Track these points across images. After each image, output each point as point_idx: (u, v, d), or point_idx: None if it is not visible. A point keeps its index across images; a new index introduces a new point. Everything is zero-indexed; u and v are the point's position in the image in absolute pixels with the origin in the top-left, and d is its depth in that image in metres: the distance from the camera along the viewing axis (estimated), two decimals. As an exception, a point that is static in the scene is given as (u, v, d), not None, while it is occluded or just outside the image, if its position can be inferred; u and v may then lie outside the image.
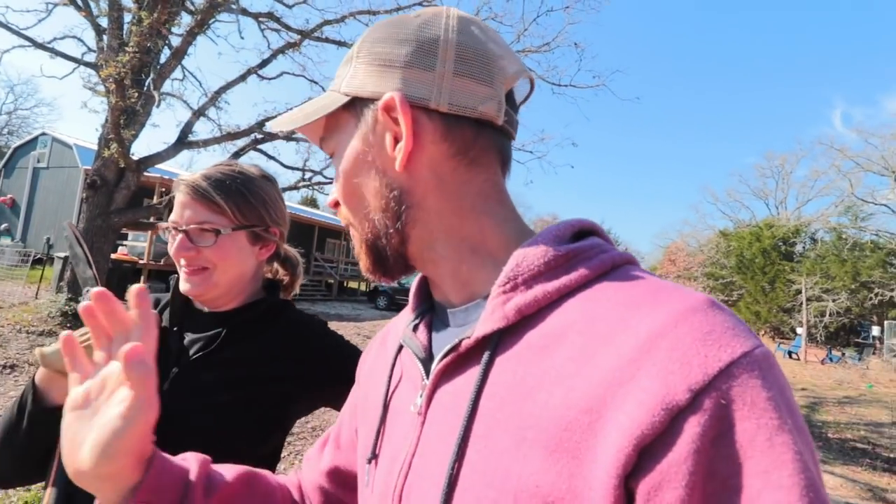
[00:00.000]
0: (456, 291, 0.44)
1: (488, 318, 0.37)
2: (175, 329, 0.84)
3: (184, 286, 0.82)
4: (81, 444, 0.41)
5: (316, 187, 9.20)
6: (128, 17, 6.39)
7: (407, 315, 0.52)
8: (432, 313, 0.48)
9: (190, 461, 0.50)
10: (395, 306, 15.59)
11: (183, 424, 0.72)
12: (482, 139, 0.42)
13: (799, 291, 19.50)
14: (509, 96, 0.44)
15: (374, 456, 0.46)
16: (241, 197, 0.83)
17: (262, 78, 7.68)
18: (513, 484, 0.31)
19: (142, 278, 10.92)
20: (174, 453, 0.70)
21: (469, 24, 0.42)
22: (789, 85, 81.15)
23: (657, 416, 0.27)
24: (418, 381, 0.43)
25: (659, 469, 0.27)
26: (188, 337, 0.84)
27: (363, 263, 0.47)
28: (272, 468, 0.86)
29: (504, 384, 0.35)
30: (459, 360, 0.39)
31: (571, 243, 0.39)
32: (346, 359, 0.88)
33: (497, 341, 0.37)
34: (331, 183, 9.15)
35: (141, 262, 11.12)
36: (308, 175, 8.69)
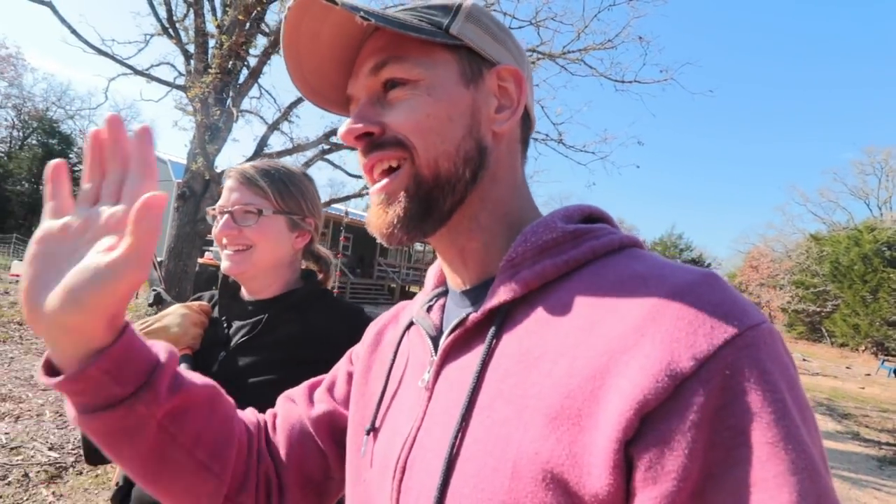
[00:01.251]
0: (475, 269, 0.44)
1: (496, 291, 0.38)
2: (224, 318, 0.94)
3: (225, 264, 0.90)
4: (49, 283, 0.35)
5: (378, 194, 9.48)
6: (212, 43, 7.04)
7: (422, 296, 0.53)
8: (447, 296, 0.49)
9: (160, 349, 0.44)
10: (453, 311, 15.62)
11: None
12: (528, 136, 0.48)
13: (909, 302, 17.10)
14: None
15: (374, 428, 0.46)
16: (283, 185, 0.93)
17: (329, 91, 8.09)
18: (512, 451, 0.32)
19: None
20: None
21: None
22: (891, 72, 71.99)
23: (661, 382, 0.27)
24: (427, 358, 0.44)
25: (661, 437, 0.26)
26: (235, 325, 0.93)
27: (395, 212, 0.41)
28: None
29: (509, 356, 0.36)
30: (467, 335, 0.40)
31: (581, 224, 0.41)
32: None
33: (504, 315, 0.38)
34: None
35: (222, 265, 12.08)
36: (371, 182, 8.98)
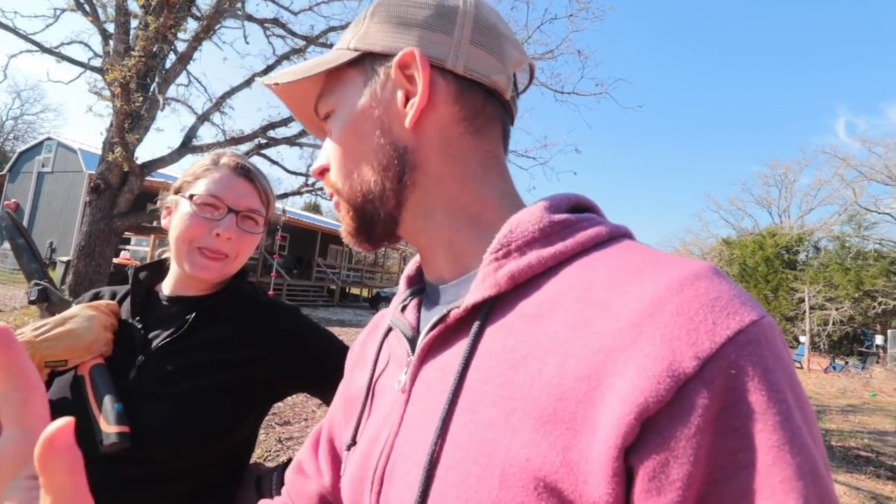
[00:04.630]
0: (448, 265, 0.42)
1: (479, 286, 0.36)
2: (137, 319, 0.82)
3: (196, 269, 0.79)
4: None
5: (319, 192, 9.24)
6: (134, 23, 6.47)
7: (397, 299, 0.50)
8: (423, 294, 0.47)
9: None
10: (396, 312, 15.58)
11: (153, 413, 0.71)
12: (490, 108, 0.42)
13: (802, 300, 19.39)
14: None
15: (354, 442, 0.44)
16: (272, 193, 0.87)
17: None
18: (500, 458, 0.29)
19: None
20: (147, 444, 0.69)
21: (484, 3, 0.43)
22: (793, 93, 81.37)
23: (662, 383, 0.25)
24: (404, 359, 0.42)
25: (665, 444, 0.25)
26: (153, 326, 0.81)
27: (346, 227, 0.45)
28: (247, 456, 0.85)
29: (493, 354, 0.33)
30: (448, 333, 0.38)
31: (568, 214, 0.38)
32: (321, 342, 0.87)
33: (488, 311, 0.35)
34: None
35: (143, 265, 11.17)
36: (311, 180, 8.72)
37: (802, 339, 18.20)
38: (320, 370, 0.83)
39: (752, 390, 0.25)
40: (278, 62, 7.53)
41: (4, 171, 19.23)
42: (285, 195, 8.76)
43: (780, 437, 0.24)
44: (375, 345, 0.49)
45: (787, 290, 22.07)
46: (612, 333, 0.28)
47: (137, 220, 6.81)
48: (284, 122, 7.50)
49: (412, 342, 0.42)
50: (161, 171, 7.81)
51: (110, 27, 6.66)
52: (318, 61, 0.43)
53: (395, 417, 0.39)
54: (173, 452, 0.70)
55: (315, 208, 36.04)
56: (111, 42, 6.62)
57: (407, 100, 0.40)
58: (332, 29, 7.56)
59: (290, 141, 7.65)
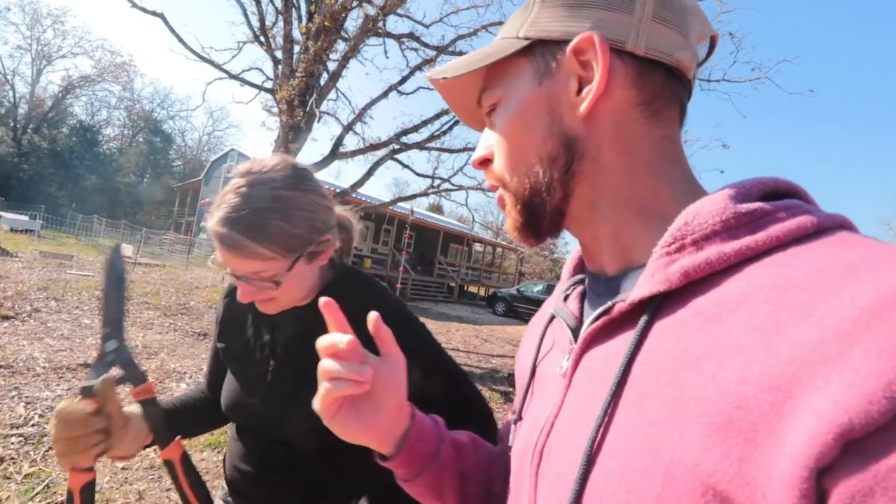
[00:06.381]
0: (613, 258, 0.40)
1: (647, 280, 0.33)
2: (260, 324, 0.86)
3: (259, 307, 0.79)
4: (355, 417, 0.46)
5: (444, 194, 9.73)
6: (297, 49, 7.56)
7: (560, 287, 0.51)
8: (585, 284, 0.47)
9: (432, 416, 0.55)
10: (512, 312, 15.51)
11: (297, 412, 0.74)
12: (669, 90, 0.39)
13: None
14: None
15: (520, 417, 0.47)
16: (282, 233, 0.70)
17: (401, 93, 8.42)
18: (665, 457, 0.28)
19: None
20: (286, 446, 0.78)
21: None
22: None
23: (875, 405, 0.21)
24: (566, 346, 0.42)
25: (873, 470, 0.21)
26: (280, 331, 0.84)
27: (512, 221, 0.44)
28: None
29: (662, 351, 0.31)
30: (611, 325, 0.36)
31: (760, 202, 0.32)
32: (412, 331, 0.84)
33: (656, 307, 0.33)
34: (457, 189, 9.59)
35: (296, 256, 12.91)
36: (437, 182, 9.23)
37: None
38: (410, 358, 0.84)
39: None
40: (411, 73, 8.14)
41: (200, 177, 24.19)
42: (413, 196, 9.40)
43: None
44: (540, 329, 0.51)
45: None
46: (812, 342, 0.24)
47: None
48: (415, 129, 8.07)
49: (574, 331, 0.43)
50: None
51: (279, 54, 7.89)
52: (485, 52, 0.42)
53: (556, 400, 0.40)
54: (318, 439, 0.71)
55: (438, 209, 37.78)
56: (279, 67, 7.83)
57: (580, 87, 0.38)
58: (461, 37, 7.92)
59: (420, 145, 8.20)
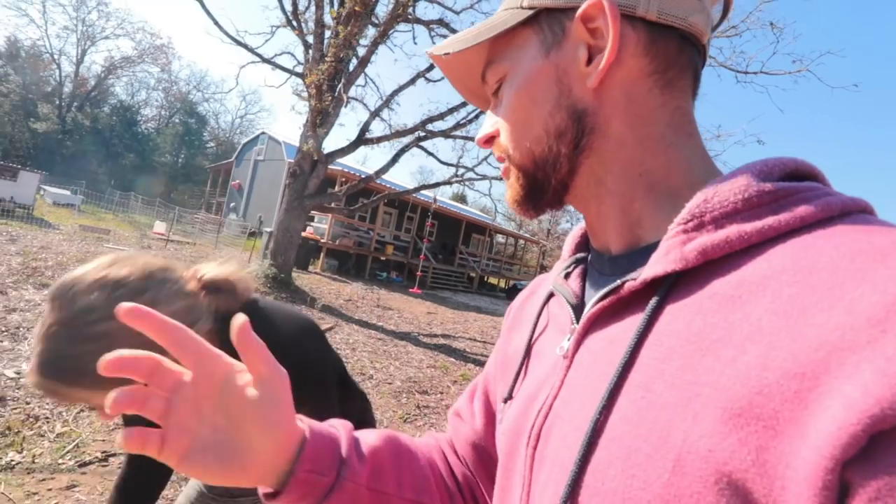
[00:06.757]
0: (619, 236, 0.39)
1: (661, 258, 0.32)
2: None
3: None
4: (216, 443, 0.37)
5: (467, 183, 9.70)
6: (327, 34, 7.61)
7: (559, 264, 0.49)
8: (587, 262, 0.45)
9: (335, 426, 0.48)
10: (533, 305, 15.44)
11: None
12: (684, 57, 0.37)
13: None
14: None
15: (511, 396, 0.45)
16: (65, 378, 0.59)
17: (429, 80, 8.38)
18: (676, 442, 0.27)
19: (321, 254, 12.94)
20: None
21: None
22: None
23: None
24: (567, 326, 0.41)
25: None
26: None
27: (513, 193, 0.42)
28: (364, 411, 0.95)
29: (675, 334, 0.30)
30: (619, 305, 0.35)
31: (783, 182, 0.31)
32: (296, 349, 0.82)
33: (670, 286, 0.32)
34: (481, 179, 9.53)
35: (322, 240, 13.13)
36: (461, 171, 9.21)
37: None
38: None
39: None
40: (441, 60, 8.09)
41: (232, 159, 24.77)
42: (436, 184, 9.41)
43: None
44: (535, 308, 0.49)
45: None
46: (841, 328, 0.23)
47: (321, 201, 8.09)
48: (441, 116, 8.04)
49: (576, 309, 0.41)
50: (339, 160, 9.11)
51: (310, 39, 7.96)
52: (486, 25, 0.40)
53: (555, 380, 0.39)
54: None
55: (462, 199, 37.69)
56: (310, 51, 7.91)
57: (590, 56, 0.36)
58: (493, 24, 7.82)
59: (445, 133, 8.18)
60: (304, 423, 0.44)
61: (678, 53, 0.37)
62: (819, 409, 0.22)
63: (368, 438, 0.50)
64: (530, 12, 0.38)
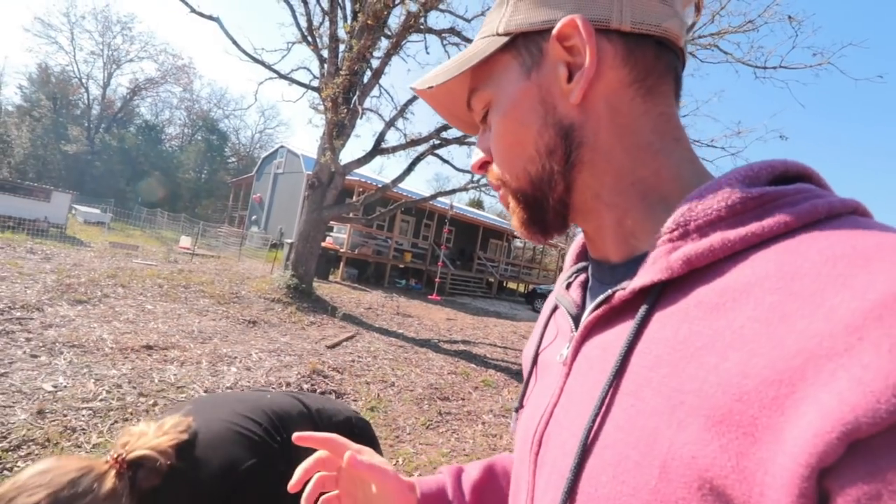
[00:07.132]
0: (617, 246, 0.40)
1: (648, 268, 0.32)
2: None
3: None
4: None
5: (483, 189, 9.71)
6: (342, 48, 7.76)
7: (563, 275, 0.51)
8: (587, 272, 0.46)
9: (443, 471, 0.58)
10: (553, 310, 15.29)
11: None
12: (662, 63, 0.37)
13: None
14: None
15: (521, 405, 0.47)
16: None
17: (442, 89, 8.45)
18: (661, 449, 0.27)
19: (341, 263, 13.09)
20: None
21: None
22: None
23: (884, 403, 0.20)
24: (567, 334, 0.43)
25: (878, 474, 0.20)
26: None
27: (517, 218, 0.43)
28: None
29: (662, 342, 0.31)
30: (611, 314, 0.36)
31: (769, 187, 0.31)
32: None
33: (657, 295, 0.32)
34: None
35: (341, 250, 13.28)
36: (476, 178, 9.23)
37: None
38: None
39: None
40: (453, 68, 8.16)
41: (252, 173, 25.42)
42: (453, 191, 9.45)
43: None
44: (544, 319, 0.51)
45: None
46: (819, 335, 0.23)
47: (339, 211, 8.21)
48: (456, 124, 8.08)
49: (576, 319, 0.43)
50: (355, 171, 9.25)
51: (325, 53, 8.13)
52: (466, 55, 0.41)
53: (555, 388, 0.40)
54: None
55: (478, 204, 37.81)
56: (325, 65, 8.08)
57: (570, 74, 0.37)
58: (504, 30, 7.86)
59: (460, 141, 8.22)
60: (416, 486, 0.54)
61: (656, 60, 0.37)
62: (795, 416, 0.22)
63: (472, 474, 0.58)
64: (507, 38, 0.39)
